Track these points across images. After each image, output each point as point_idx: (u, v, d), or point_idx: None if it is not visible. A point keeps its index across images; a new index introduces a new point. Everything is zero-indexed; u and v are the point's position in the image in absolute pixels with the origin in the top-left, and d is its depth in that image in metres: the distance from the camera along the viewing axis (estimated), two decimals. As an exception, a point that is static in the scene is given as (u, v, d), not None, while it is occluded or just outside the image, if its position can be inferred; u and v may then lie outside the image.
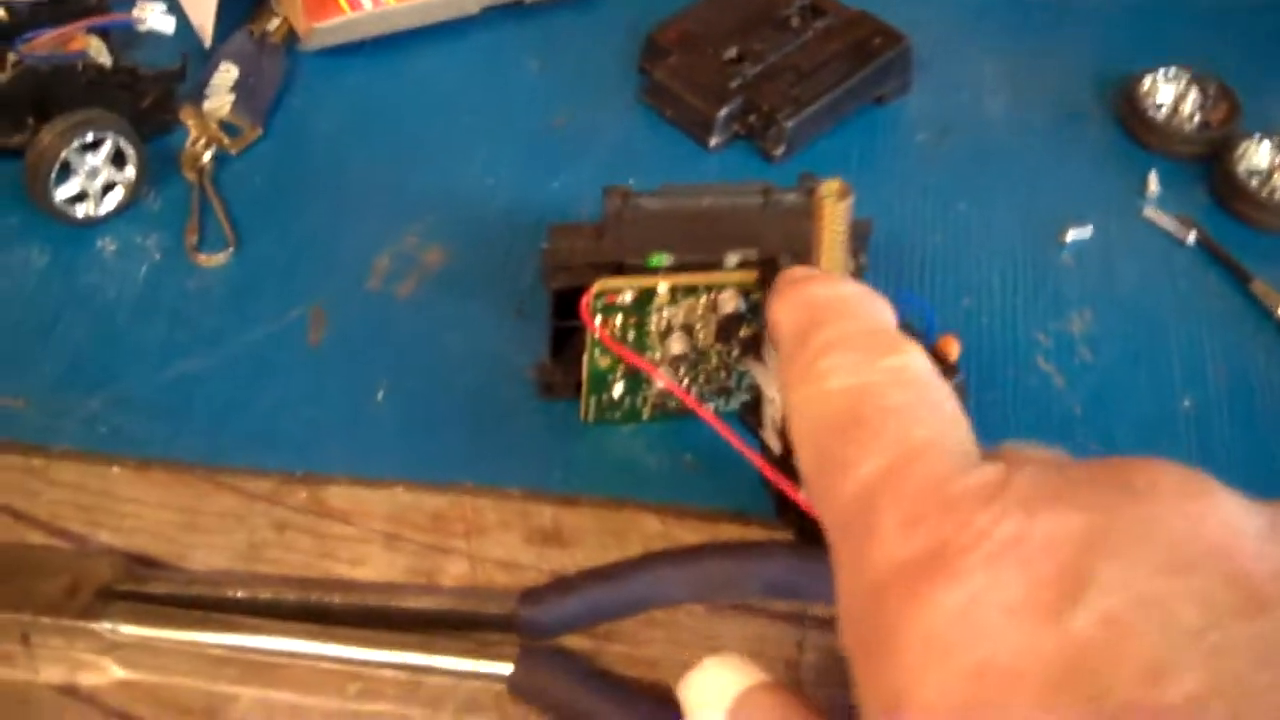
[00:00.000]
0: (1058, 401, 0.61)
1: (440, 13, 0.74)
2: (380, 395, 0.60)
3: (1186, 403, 0.61)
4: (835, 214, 0.48)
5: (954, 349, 0.53)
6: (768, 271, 0.53)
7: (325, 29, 0.72)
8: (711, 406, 0.58)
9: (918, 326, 0.55)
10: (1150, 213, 0.69)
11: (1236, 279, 0.66)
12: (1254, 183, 0.69)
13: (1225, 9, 0.80)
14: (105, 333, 0.61)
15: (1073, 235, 0.67)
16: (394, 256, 0.65)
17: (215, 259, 0.64)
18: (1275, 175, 0.69)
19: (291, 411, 0.59)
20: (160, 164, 0.67)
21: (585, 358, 0.56)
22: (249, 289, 0.63)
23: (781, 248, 0.54)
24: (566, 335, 0.58)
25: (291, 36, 0.73)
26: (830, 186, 0.47)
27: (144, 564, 0.54)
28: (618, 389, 0.57)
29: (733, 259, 0.54)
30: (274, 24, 0.73)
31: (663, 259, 0.54)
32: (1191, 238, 0.67)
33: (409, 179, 0.68)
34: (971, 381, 0.60)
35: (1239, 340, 0.64)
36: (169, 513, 0.56)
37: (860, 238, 0.58)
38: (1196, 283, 0.66)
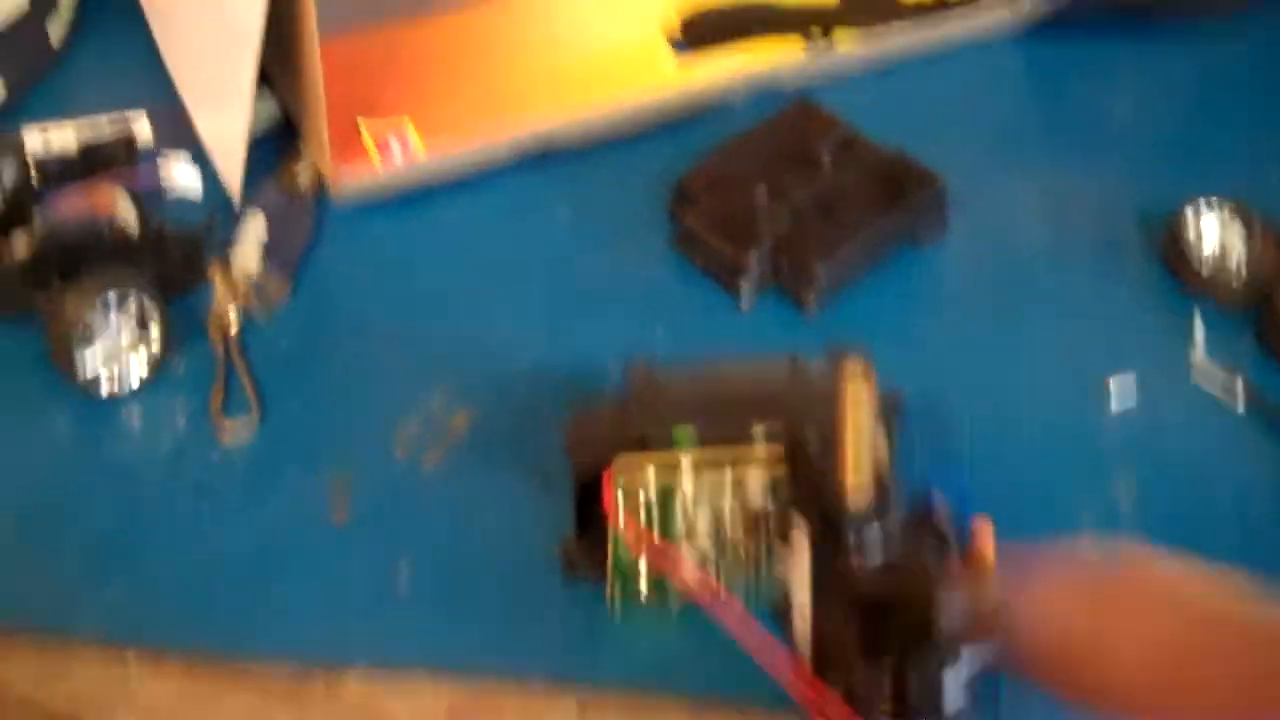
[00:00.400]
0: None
1: (470, 166, 0.74)
2: (404, 575, 0.59)
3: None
4: (858, 397, 0.46)
5: (989, 544, 0.51)
6: (794, 452, 0.52)
7: (354, 185, 0.72)
8: (740, 596, 0.56)
9: (952, 503, 0.53)
10: (1197, 361, 0.67)
11: (1288, 437, 0.64)
12: (1307, 332, 0.67)
13: (1271, 140, 0.78)
14: (129, 511, 0.61)
15: (1116, 387, 0.65)
16: (421, 422, 0.64)
17: (239, 429, 0.63)
18: (1330, 323, 0.67)
19: (312, 596, 0.58)
20: (187, 324, 0.66)
21: (610, 548, 0.54)
22: (274, 460, 0.62)
23: (808, 420, 0.52)
24: (591, 514, 0.57)
25: (321, 189, 0.73)
26: (852, 369, 0.46)
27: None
28: (644, 581, 0.56)
29: (759, 430, 0.52)
30: (304, 174, 0.73)
31: (687, 432, 0.53)
32: (1240, 396, 0.65)
33: (436, 335, 0.68)
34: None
35: (1293, 507, 0.62)
36: (186, 705, 0.55)
37: (891, 409, 0.56)
38: (1249, 447, 0.64)
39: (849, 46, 0.81)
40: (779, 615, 0.53)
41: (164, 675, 0.55)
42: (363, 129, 0.74)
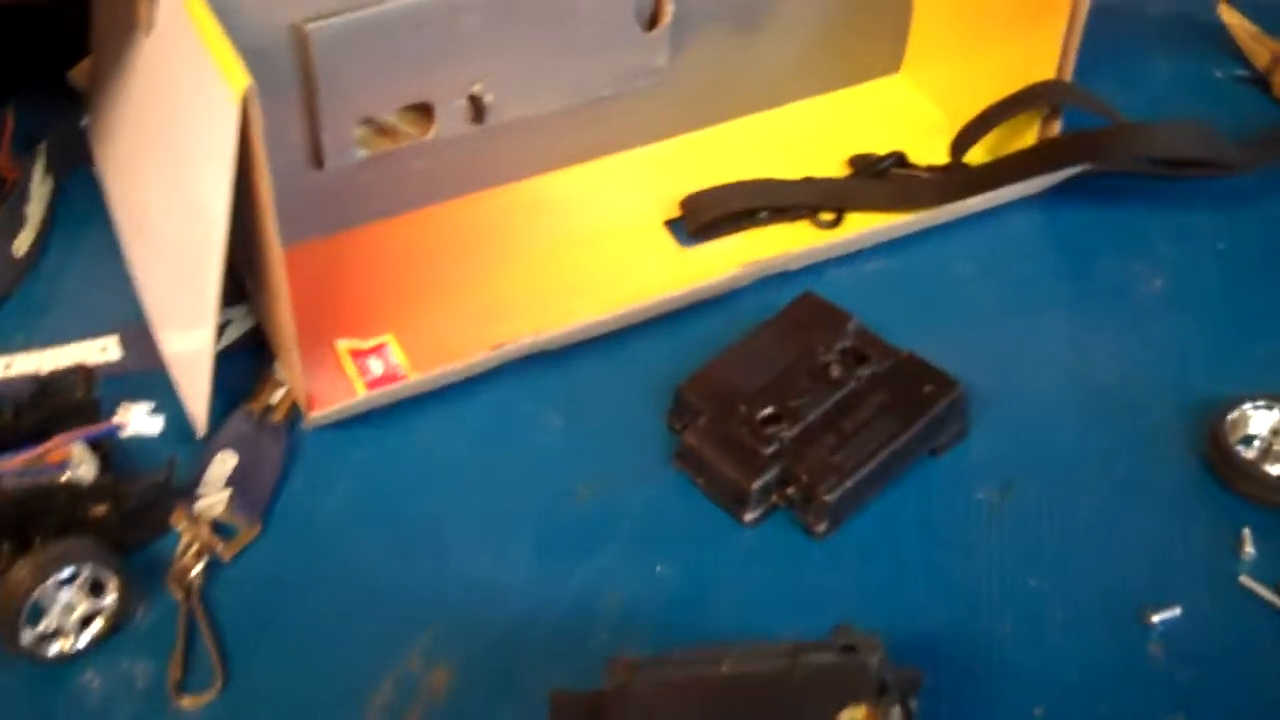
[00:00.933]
0: None
1: (456, 376, 0.69)
2: None
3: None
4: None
5: None
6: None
7: (330, 412, 0.67)
8: None
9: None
10: (1246, 582, 0.61)
11: (1355, 666, 0.57)
12: (1367, 536, 0.61)
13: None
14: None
15: (1159, 617, 0.59)
16: (396, 684, 0.59)
17: (200, 700, 0.58)
18: (1391, 532, 0.61)
19: None
20: (151, 574, 0.62)
21: None
22: (236, 733, 0.57)
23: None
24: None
25: (294, 412, 0.68)
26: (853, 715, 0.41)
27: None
28: None
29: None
30: (277, 398, 0.68)
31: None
32: (1297, 614, 0.59)
33: (415, 575, 0.63)
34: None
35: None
36: None
37: (909, 686, 0.50)
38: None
39: (860, 224, 0.76)
40: None
41: None
42: (340, 351, 0.70)
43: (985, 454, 0.67)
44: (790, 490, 0.63)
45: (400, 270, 0.75)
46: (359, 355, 0.70)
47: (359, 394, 0.68)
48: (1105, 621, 0.60)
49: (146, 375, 0.69)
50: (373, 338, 0.71)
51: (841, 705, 0.45)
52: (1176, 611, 0.60)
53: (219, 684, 0.59)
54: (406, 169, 0.76)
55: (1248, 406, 0.66)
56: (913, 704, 0.49)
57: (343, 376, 0.69)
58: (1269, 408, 0.66)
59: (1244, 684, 0.58)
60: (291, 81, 0.69)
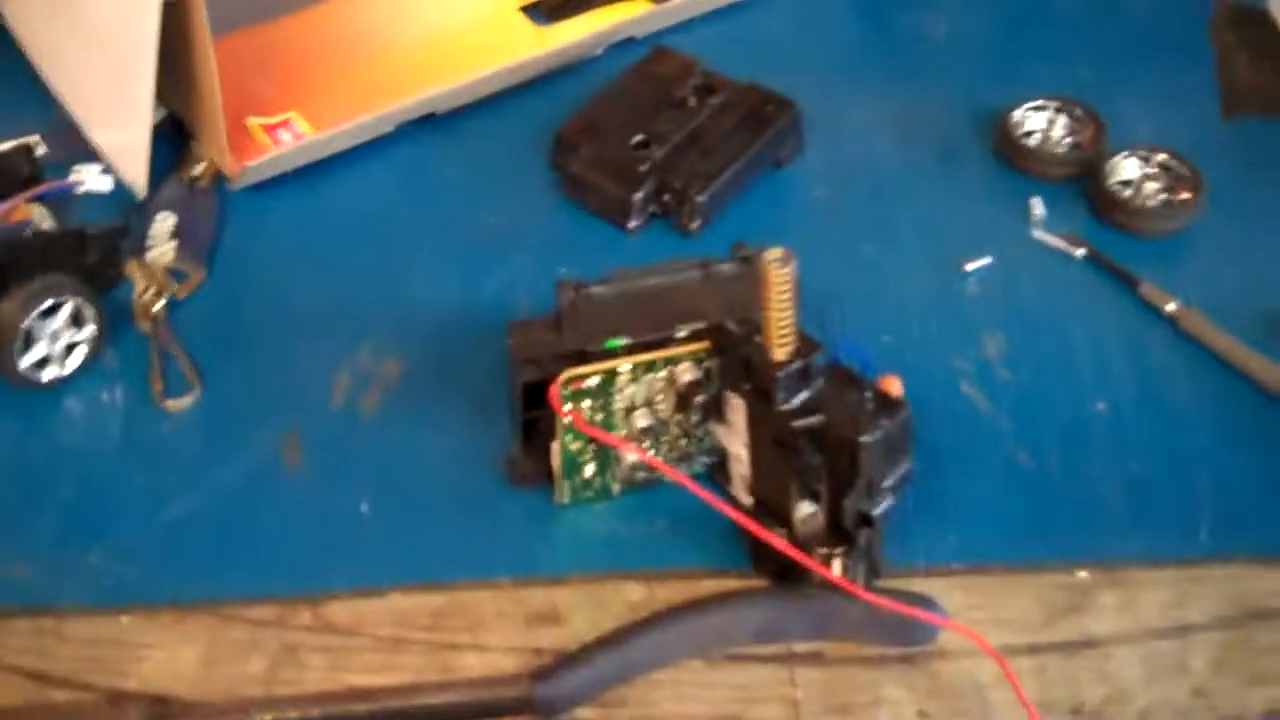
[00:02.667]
0: (986, 421, 0.66)
1: (359, 135, 0.78)
2: (365, 508, 0.63)
3: (1100, 405, 0.67)
4: (781, 279, 0.53)
5: (896, 386, 0.58)
6: (718, 338, 0.58)
7: (252, 168, 0.76)
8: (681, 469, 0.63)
9: (858, 369, 0.60)
10: (1039, 235, 0.75)
11: (1126, 284, 0.72)
12: (1126, 193, 0.75)
13: (1079, 32, 0.87)
14: (91, 489, 0.64)
15: (973, 265, 0.73)
16: (352, 374, 0.69)
17: (183, 402, 0.67)
18: (1145, 184, 0.76)
19: (283, 536, 0.62)
20: (113, 318, 0.70)
21: (557, 444, 0.60)
22: (221, 425, 0.66)
23: (725, 315, 0.58)
24: (532, 425, 0.62)
25: (220, 176, 0.77)
26: (773, 254, 0.53)
27: (169, 704, 0.57)
28: (589, 469, 0.61)
29: (683, 332, 0.59)
30: (200, 168, 0.77)
31: (620, 341, 0.59)
32: (1080, 253, 0.73)
33: (354, 297, 0.72)
34: (907, 413, 0.66)
35: (1137, 340, 0.70)
36: (184, 651, 0.58)
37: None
38: (1091, 293, 0.72)
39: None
40: (716, 472, 0.59)
41: (157, 628, 0.59)
42: (252, 126, 0.78)
43: (819, 165, 0.79)
44: (665, 197, 0.75)
45: (293, 61, 0.83)
46: (269, 129, 0.79)
47: (270, 150, 0.76)
48: (930, 272, 0.73)
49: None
50: (278, 114, 0.79)
51: (749, 294, 0.57)
52: (987, 260, 0.73)
53: (197, 389, 0.68)
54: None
55: (1025, 107, 0.80)
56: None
57: (257, 145, 0.78)
58: (1042, 107, 0.80)
59: (1044, 308, 0.72)
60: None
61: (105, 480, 0.64)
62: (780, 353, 0.54)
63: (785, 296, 0.53)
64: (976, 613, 0.59)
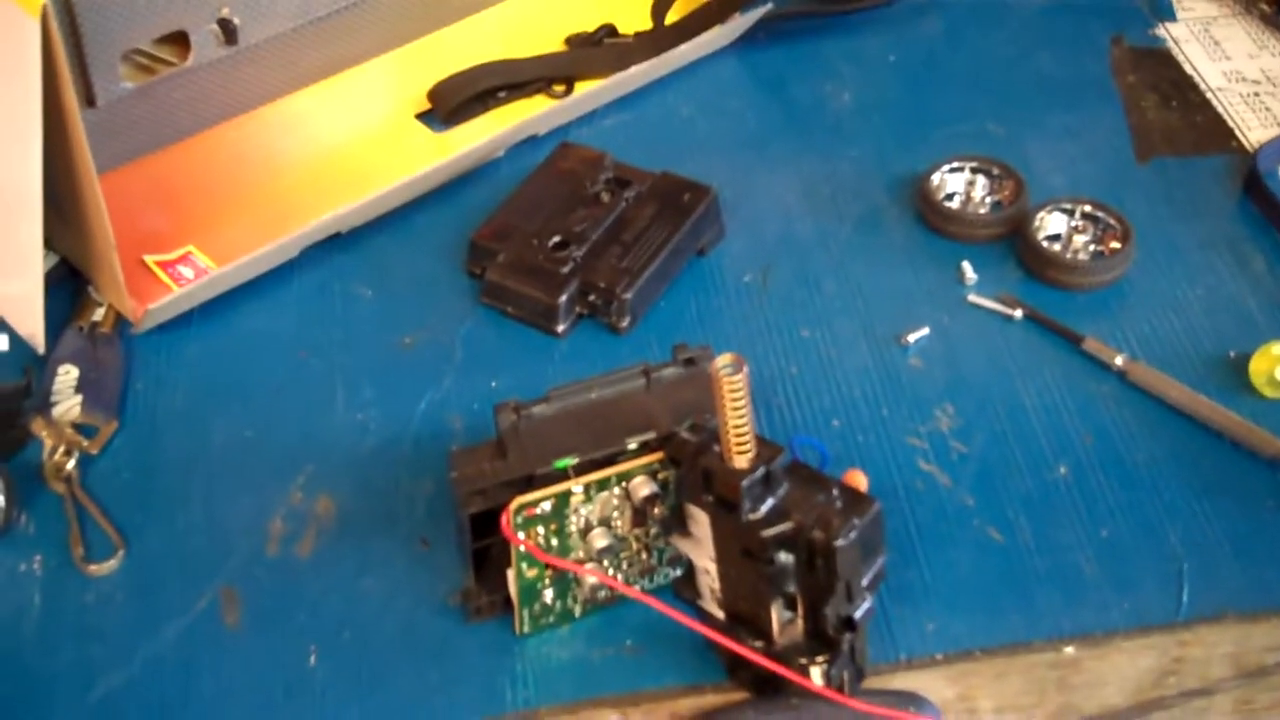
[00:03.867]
0: (949, 498, 0.64)
1: (262, 265, 0.75)
2: (313, 660, 0.59)
3: (1063, 469, 0.65)
4: (734, 386, 0.50)
5: (862, 481, 0.56)
6: (673, 449, 0.55)
7: (154, 309, 0.72)
8: (638, 589, 0.60)
9: (818, 463, 0.58)
10: (974, 299, 0.73)
11: (1069, 342, 0.71)
12: (1056, 248, 0.74)
13: (981, 89, 0.87)
14: (13, 668, 0.59)
15: (912, 337, 0.71)
16: (285, 517, 0.65)
17: (107, 565, 0.63)
18: (1073, 238, 0.75)
19: (229, 701, 0.58)
20: (24, 482, 0.66)
21: (512, 573, 0.57)
22: (150, 587, 0.62)
23: (675, 422, 0.56)
24: (482, 554, 0.59)
25: (122, 320, 0.73)
26: (723, 361, 0.50)
27: None
28: (548, 595, 0.58)
29: (634, 444, 0.56)
30: (100, 314, 0.73)
31: (569, 461, 0.56)
32: (1018, 314, 0.72)
33: (277, 433, 0.69)
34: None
35: (1088, 398, 0.68)
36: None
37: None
38: (1035, 354, 0.71)
39: (591, 89, 0.86)
40: (683, 588, 0.56)
41: (100, 816, 0.55)
42: (150, 264, 0.75)
43: (742, 248, 0.78)
44: (592, 298, 0.72)
45: (184, 193, 0.80)
46: (167, 266, 0.75)
47: (174, 290, 0.73)
48: (870, 348, 0.71)
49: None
50: (176, 250, 0.76)
51: (696, 398, 0.55)
52: (926, 330, 0.72)
53: (120, 551, 0.63)
54: (171, 99, 0.81)
55: (942, 170, 0.79)
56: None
57: (157, 283, 0.74)
58: (959, 169, 0.79)
59: (989, 373, 0.70)
60: (58, 23, 0.74)
61: (29, 658, 0.60)
62: (741, 461, 0.51)
63: (741, 404, 0.50)
64: (966, 703, 0.57)
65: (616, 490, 0.56)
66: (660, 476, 0.56)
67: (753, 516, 0.51)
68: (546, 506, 0.55)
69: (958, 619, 0.60)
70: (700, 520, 0.54)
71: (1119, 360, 0.69)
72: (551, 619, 0.59)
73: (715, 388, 0.50)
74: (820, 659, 0.53)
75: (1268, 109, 0.85)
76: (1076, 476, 0.65)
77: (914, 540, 0.62)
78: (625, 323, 0.72)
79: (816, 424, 0.68)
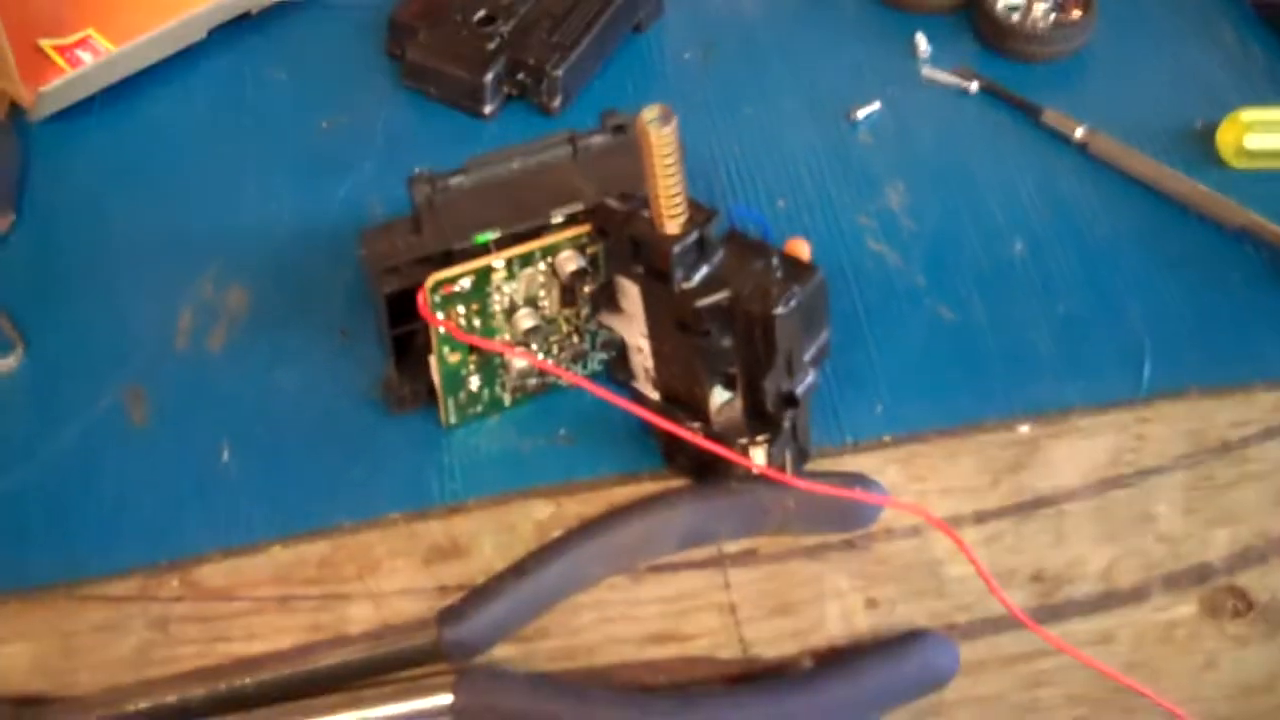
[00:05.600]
0: (899, 277, 0.61)
1: (166, 46, 0.70)
2: (226, 456, 0.56)
3: (1018, 246, 0.62)
4: (663, 140, 0.46)
5: (805, 249, 0.52)
6: (600, 218, 0.51)
7: (49, 93, 0.67)
8: (569, 371, 0.56)
9: (759, 235, 0.54)
10: (927, 72, 0.69)
11: (1027, 115, 0.67)
12: (1015, 18, 0.70)
13: None
14: (-93, 472, 0.56)
15: (862, 113, 0.67)
16: (195, 310, 0.61)
17: (5, 364, 0.59)
18: (1033, 6, 0.70)
19: (138, 500, 0.55)
20: (-89, 278, 0.62)
21: (434, 359, 0.53)
22: (52, 385, 0.59)
23: (604, 193, 0.52)
24: (404, 342, 0.55)
25: (16, 108, 0.68)
26: (650, 113, 0.46)
27: (31, 703, 0.50)
28: (474, 382, 0.55)
29: (559, 217, 0.52)
30: (-9, 101, 0.68)
31: (489, 235, 0.52)
32: (974, 87, 0.68)
33: (185, 224, 0.64)
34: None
35: (1047, 172, 0.65)
36: (40, 643, 0.51)
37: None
38: (991, 128, 0.67)
39: None
40: (616, 369, 0.53)
41: (4, 619, 0.52)
42: (46, 48, 0.69)
43: (682, 24, 0.73)
44: (520, 76, 0.68)
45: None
46: (64, 50, 0.70)
47: (68, 71, 0.67)
48: (818, 125, 0.67)
49: None
50: (74, 33, 0.70)
51: (627, 168, 0.50)
52: (876, 105, 0.68)
53: (19, 349, 0.59)
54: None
55: (897, -63, 0.73)
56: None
57: (54, 68, 0.69)
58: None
59: (943, 149, 0.66)
60: None
61: (-76, 463, 0.56)
62: (672, 225, 0.48)
63: (670, 161, 0.46)
64: (917, 485, 0.54)
65: (541, 266, 0.53)
66: (588, 251, 0.53)
67: (686, 285, 0.48)
68: (466, 284, 0.51)
69: (907, 401, 0.57)
70: (631, 294, 0.50)
71: (1079, 132, 0.65)
72: (479, 408, 0.56)
73: (642, 143, 0.46)
74: (761, 439, 0.50)
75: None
76: (1033, 252, 0.61)
77: (862, 321, 0.59)
78: (557, 102, 0.67)
79: (760, 204, 0.64)
